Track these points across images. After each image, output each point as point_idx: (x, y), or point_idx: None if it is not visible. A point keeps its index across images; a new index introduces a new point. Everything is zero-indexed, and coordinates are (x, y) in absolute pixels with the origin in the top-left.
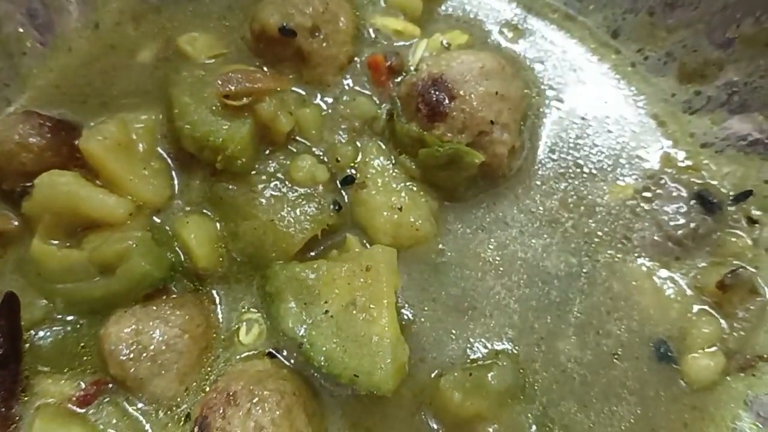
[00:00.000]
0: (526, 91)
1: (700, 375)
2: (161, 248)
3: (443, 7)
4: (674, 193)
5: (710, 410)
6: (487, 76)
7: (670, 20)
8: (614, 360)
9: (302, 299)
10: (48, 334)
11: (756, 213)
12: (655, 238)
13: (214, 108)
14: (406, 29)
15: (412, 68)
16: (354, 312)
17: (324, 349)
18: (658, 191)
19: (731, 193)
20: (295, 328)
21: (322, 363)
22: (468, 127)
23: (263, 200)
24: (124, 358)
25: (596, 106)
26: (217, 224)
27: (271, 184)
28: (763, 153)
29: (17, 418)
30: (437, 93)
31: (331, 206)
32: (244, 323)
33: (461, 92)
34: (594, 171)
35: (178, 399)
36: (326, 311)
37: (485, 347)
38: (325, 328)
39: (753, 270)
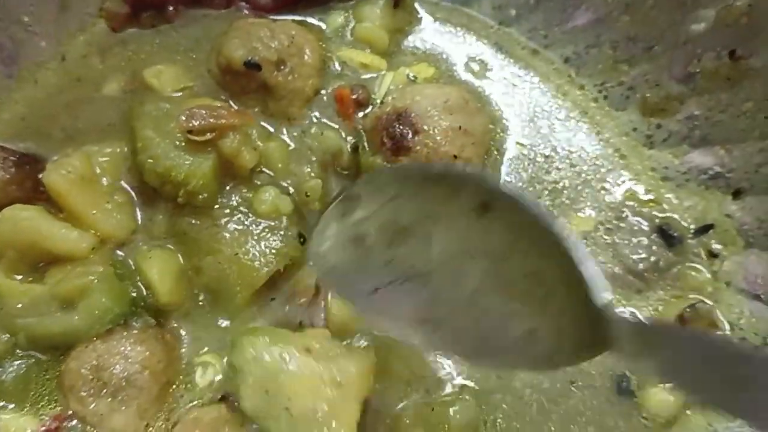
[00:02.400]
0: (490, 126)
1: (659, 409)
2: (123, 283)
3: (410, 40)
4: (636, 227)
5: None
6: (452, 110)
7: (632, 54)
8: (572, 388)
9: (265, 386)
10: (10, 368)
11: (716, 247)
12: (617, 270)
13: (177, 143)
14: (372, 62)
15: (377, 101)
16: (315, 418)
17: None
18: (620, 224)
19: (692, 227)
20: (254, 412)
21: None
22: (431, 162)
23: (227, 234)
24: (84, 393)
25: (560, 142)
26: (181, 258)
27: (234, 218)
28: (724, 187)
29: None
30: (401, 127)
31: (296, 238)
32: (199, 366)
33: (425, 127)
34: (557, 204)
35: None
36: (287, 408)
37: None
38: (283, 424)
39: (712, 304)
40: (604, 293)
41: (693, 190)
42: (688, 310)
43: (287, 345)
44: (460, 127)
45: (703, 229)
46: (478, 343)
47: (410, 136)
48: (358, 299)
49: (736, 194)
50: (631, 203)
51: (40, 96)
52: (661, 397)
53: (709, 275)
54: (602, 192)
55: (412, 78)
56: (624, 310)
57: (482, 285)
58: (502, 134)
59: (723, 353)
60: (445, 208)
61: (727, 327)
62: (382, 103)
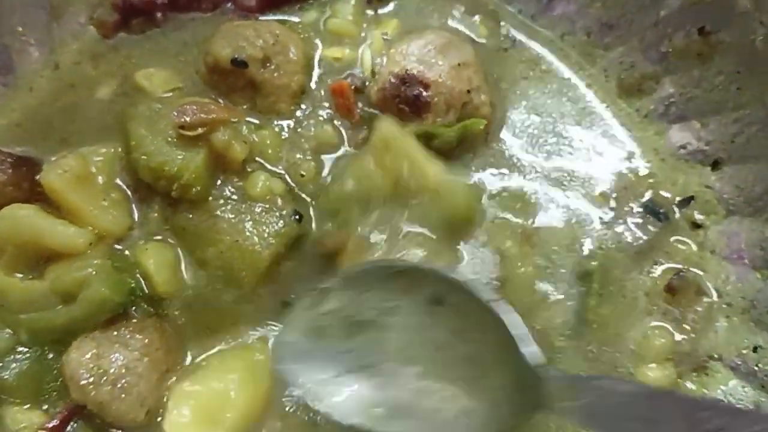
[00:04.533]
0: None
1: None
2: (121, 274)
3: (372, 12)
4: (627, 206)
5: None
6: (442, 51)
7: (606, 39)
8: None
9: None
10: (13, 365)
11: (699, 217)
12: (614, 247)
13: (169, 139)
14: (344, 55)
15: (362, 75)
16: (406, 185)
17: None
18: (613, 204)
19: (676, 200)
20: None
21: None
22: (452, 105)
23: (225, 224)
24: (85, 382)
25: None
26: (179, 251)
27: (229, 207)
28: (702, 159)
29: None
30: (411, 88)
31: (292, 217)
32: None
33: (431, 78)
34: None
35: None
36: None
37: None
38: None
39: (700, 273)
40: (537, 357)
41: (673, 166)
42: (674, 278)
43: None
44: (459, 64)
45: (685, 202)
46: (423, 424)
47: (423, 92)
48: (318, 387)
49: (715, 165)
50: (624, 181)
51: (35, 103)
52: (655, 373)
53: (694, 246)
54: (594, 173)
55: (386, 36)
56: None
57: (426, 371)
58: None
59: (638, 397)
60: (403, 301)
61: (715, 294)
62: (373, 75)
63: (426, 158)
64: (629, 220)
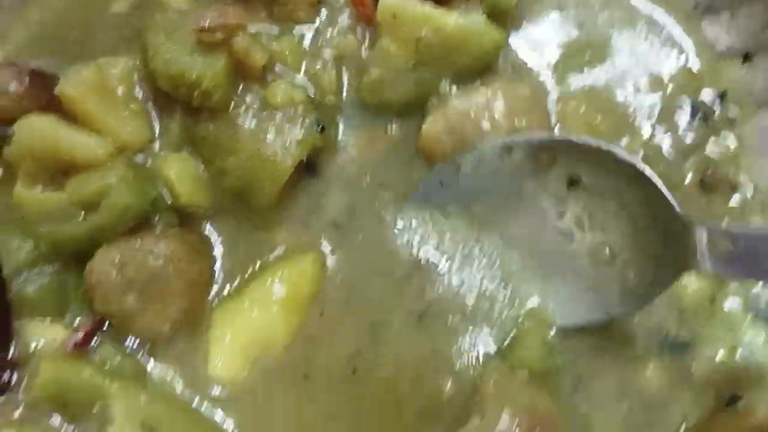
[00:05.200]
0: None
1: (698, 297)
2: (143, 184)
3: None
4: (673, 105)
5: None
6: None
7: None
8: None
9: None
10: (36, 278)
11: (733, 113)
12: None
13: (188, 46)
14: None
15: None
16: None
17: None
18: (663, 104)
19: (713, 97)
20: None
21: None
22: None
23: (246, 133)
24: (109, 291)
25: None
26: (200, 163)
27: (251, 115)
28: (733, 53)
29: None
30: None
31: (315, 126)
32: None
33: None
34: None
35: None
36: None
37: None
38: None
39: (736, 167)
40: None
41: (706, 63)
42: (708, 174)
43: None
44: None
45: (720, 98)
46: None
47: None
48: None
49: (746, 58)
50: (671, 79)
51: (50, 17)
52: (693, 286)
53: (729, 141)
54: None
55: None
56: None
57: (546, 269)
58: None
59: None
60: (535, 182)
61: (750, 190)
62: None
63: (438, 10)
64: (673, 118)
